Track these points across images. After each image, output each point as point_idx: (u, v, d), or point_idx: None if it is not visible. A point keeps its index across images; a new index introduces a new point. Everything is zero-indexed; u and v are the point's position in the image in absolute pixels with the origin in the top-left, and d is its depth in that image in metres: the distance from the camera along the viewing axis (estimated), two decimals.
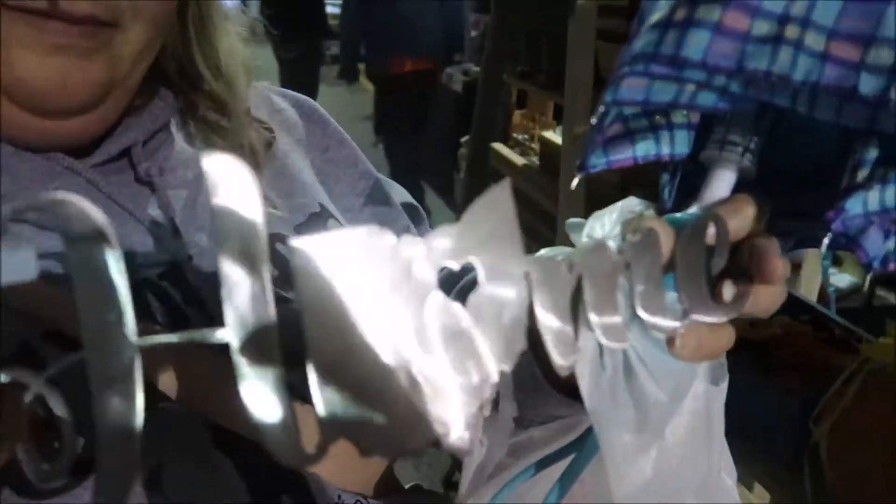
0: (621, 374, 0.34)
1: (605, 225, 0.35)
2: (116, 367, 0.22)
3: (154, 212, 0.40)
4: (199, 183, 0.42)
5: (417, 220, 0.57)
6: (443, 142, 3.40)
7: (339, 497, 0.41)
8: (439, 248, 0.25)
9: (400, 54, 3.19)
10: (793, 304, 1.17)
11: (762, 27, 0.30)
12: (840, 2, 0.30)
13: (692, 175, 0.36)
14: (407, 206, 0.57)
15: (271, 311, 0.22)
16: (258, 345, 0.22)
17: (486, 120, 2.45)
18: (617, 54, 0.33)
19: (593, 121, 0.32)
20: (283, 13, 3.63)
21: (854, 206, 0.30)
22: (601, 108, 0.33)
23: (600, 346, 0.32)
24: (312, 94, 3.67)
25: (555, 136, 2.13)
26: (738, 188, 0.34)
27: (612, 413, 0.34)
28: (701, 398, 0.38)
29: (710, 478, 0.41)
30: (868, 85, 0.29)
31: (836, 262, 2.66)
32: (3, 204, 0.32)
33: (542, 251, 0.40)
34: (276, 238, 0.42)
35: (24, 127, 0.35)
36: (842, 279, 2.34)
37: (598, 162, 0.35)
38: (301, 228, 0.45)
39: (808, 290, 1.36)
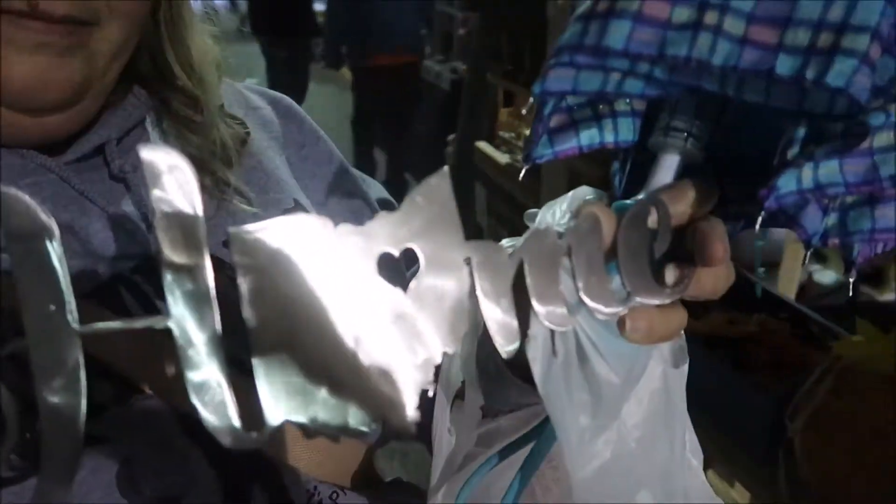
0: (574, 359, 0.34)
1: (555, 213, 0.36)
2: (58, 354, 0.22)
3: (128, 208, 0.41)
4: None
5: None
6: (430, 139, 3.41)
7: (315, 488, 0.41)
8: (379, 235, 0.25)
9: (379, 47, 3.23)
10: (770, 302, 1.18)
11: (682, 14, 0.31)
12: None
13: (643, 163, 0.36)
14: (382, 202, 0.58)
15: (212, 299, 0.23)
16: (197, 332, 0.23)
17: (472, 118, 2.46)
18: None
19: (523, 111, 0.33)
20: (270, 13, 3.64)
21: (786, 183, 0.31)
22: (531, 101, 0.33)
23: (552, 332, 0.32)
24: (302, 92, 3.67)
25: None
26: (689, 173, 0.34)
27: (566, 397, 0.34)
28: (658, 380, 0.39)
29: (674, 458, 0.42)
30: (785, 66, 0.29)
31: (821, 259, 2.67)
32: None
33: (505, 241, 0.40)
34: None
35: (4, 123, 0.36)
36: (826, 275, 2.35)
37: (544, 152, 0.36)
38: None
39: (787, 289, 1.37)
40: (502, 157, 2.29)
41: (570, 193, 0.36)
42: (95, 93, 0.38)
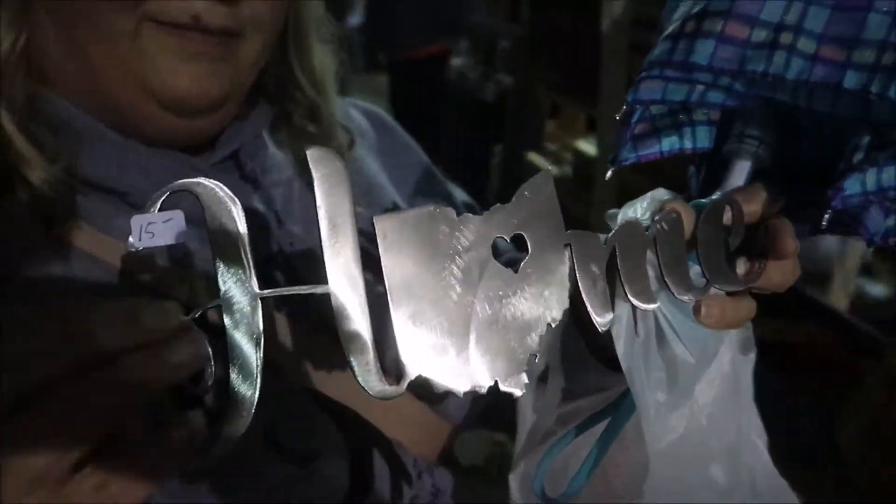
0: (653, 339, 0.38)
1: (637, 211, 0.40)
2: (243, 311, 0.28)
3: (259, 206, 0.46)
4: (291, 184, 0.47)
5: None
6: (472, 151, 3.46)
7: (415, 462, 0.46)
8: (493, 223, 0.30)
9: (412, 40, 3.30)
10: (819, 312, 1.20)
11: (760, 34, 0.35)
12: (828, 10, 0.35)
13: (717, 167, 0.40)
14: (467, 206, 0.62)
15: (359, 271, 0.28)
16: (350, 297, 0.28)
17: (520, 129, 2.50)
18: None
19: (616, 117, 0.38)
20: None
21: (852, 186, 0.35)
22: (624, 108, 0.38)
23: (634, 315, 0.37)
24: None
25: (588, 146, 2.18)
26: (759, 178, 0.39)
27: (645, 374, 0.38)
28: (728, 364, 0.43)
29: (741, 438, 0.46)
30: (852, 81, 0.34)
31: (870, 273, 2.65)
32: (137, 195, 0.38)
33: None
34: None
35: (160, 125, 0.40)
36: (875, 289, 2.35)
37: (628, 156, 0.40)
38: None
39: (838, 299, 1.38)
40: (552, 169, 2.33)
41: (649, 194, 0.40)
42: (236, 99, 0.43)
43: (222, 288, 0.28)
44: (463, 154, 3.59)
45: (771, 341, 1.14)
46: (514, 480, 0.46)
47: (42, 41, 0.38)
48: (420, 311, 0.29)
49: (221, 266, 0.28)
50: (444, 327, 0.29)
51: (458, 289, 0.30)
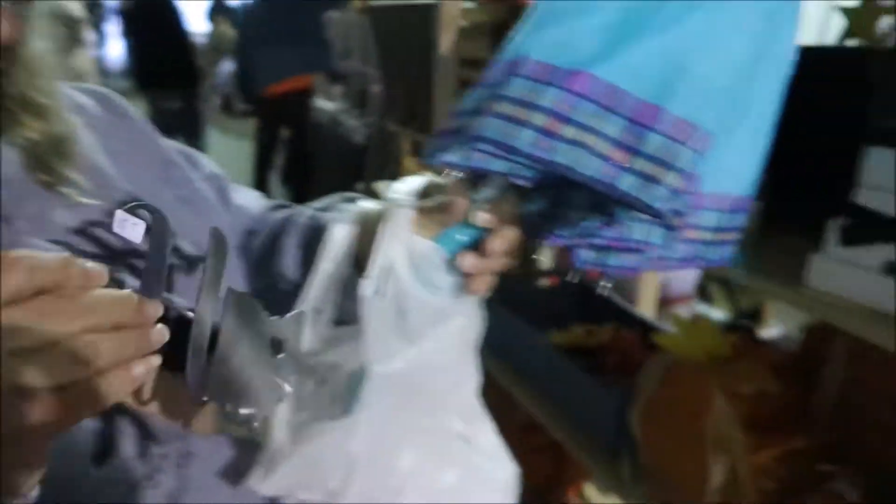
0: (396, 298, 0.49)
1: (400, 190, 0.54)
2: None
3: None
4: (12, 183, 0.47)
5: (223, 188, 0.67)
6: (341, 189, 3.54)
7: (167, 427, 0.49)
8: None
9: (267, 79, 3.44)
10: (622, 315, 1.33)
11: (569, 132, 0.45)
12: (624, 121, 0.44)
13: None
14: (213, 176, 0.66)
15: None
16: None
17: (379, 167, 2.59)
18: None
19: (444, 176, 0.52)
20: (152, 68, 3.78)
21: (564, 231, 0.49)
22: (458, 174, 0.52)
23: (384, 274, 0.48)
24: (196, 142, 3.82)
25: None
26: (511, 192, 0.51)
27: (383, 320, 0.49)
28: (458, 327, 0.53)
29: (472, 402, 0.54)
30: (625, 183, 0.44)
31: (708, 300, 2.91)
32: None
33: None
34: (90, 223, 0.48)
35: None
36: (713, 313, 2.62)
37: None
38: (110, 213, 0.47)
39: (645, 307, 1.52)
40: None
41: (414, 177, 0.52)
42: None
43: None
44: (332, 192, 3.67)
45: (579, 345, 1.26)
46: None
47: None
48: None
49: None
50: None
51: None
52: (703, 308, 3.05)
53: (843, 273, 0.73)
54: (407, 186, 0.55)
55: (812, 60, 0.91)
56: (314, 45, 3.51)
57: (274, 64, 3.48)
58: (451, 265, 0.52)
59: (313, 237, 0.61)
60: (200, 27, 5.50)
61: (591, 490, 1.62)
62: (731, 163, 0.50)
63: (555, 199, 0.51)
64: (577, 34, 0.46)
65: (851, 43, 1.00)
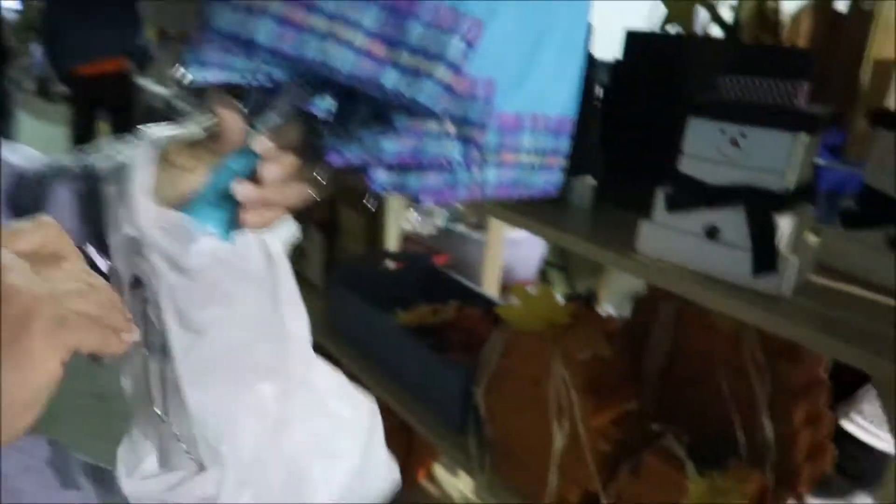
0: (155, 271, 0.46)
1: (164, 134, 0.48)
2: None
3: None
4: None
5: None
6: None
7: None
8: None
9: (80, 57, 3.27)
10: (465, 293, 1.34)
11: (319, 22, 0.40)
12: (377, 8, 0.40)
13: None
14: None
15: None
16: None
17: None
18: None
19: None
20: None
21: (352, 149, 0.43)
22: (187, 77, 0.42)
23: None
24: (4, 125, 3.51)
25: None
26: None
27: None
28: (263, 271, 0.49)
29: (303, 347, 0.50)
30: (389, 78, 0.40)
31: (548, 284, 3.04)
32: None
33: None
34: None
35: None
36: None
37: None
38: None
39: (488, 284, 1.55)
40: None
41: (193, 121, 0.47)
42: None
43: None
44: None
45: (425, 324, 1.25)
46: None
47: None
48: None
49: None
50: None
51: None
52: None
53: (670, 238, 0.77)
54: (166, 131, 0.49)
55: (637, 44, 0.97)
56: (124, 27, 3.35)
57: (81, 44, 3.26)
58: (226, 199, 0.47)
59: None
60: (10, 3, 4.98)
61: (440, 470, 1.63)
62: (543, 82, 0.47)
63: (338, 113, 0.46)
64: None
65: (672, 29, 1.07)
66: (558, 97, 0.51)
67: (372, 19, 0.40)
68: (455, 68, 0.41)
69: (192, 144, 0.47)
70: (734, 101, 0.72)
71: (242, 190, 0.46)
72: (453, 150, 0.44)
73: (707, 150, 0.74)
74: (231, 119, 0.45)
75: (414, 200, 0.46)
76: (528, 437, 0.97)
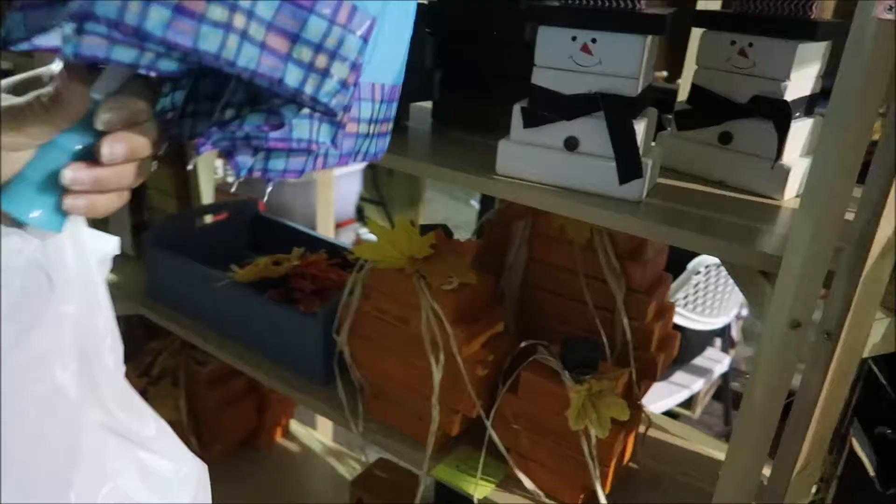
0: None
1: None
2: None
3: None
4: None
5: None
6: None
7: None
8: None
9: None
10: (300, 238, 1.26)
11: (216, 11, 0.35)
12: (278, 1, 0.37)
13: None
14: None
15: None
16: None
17: None
18: None
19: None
20: None
21: (217, 134, 0.41)
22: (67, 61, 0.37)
23: None
24: None
25: None
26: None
27: None
28: (95, 275, 0.45)
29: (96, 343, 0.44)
30: (292, 77, 0.38)
31: (364, 222, 2.98)
32: None
33: None
34: None
35: None
36: (371, 237, 2.68)
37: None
38: None
39: (324, 229, 1.48)
40: None
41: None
42: None
43: None
44: None
45: (269, 277, 1.16)
46: None
47: None
48: None
49: None
50: None
51: None
52: (363, 231, 3.15)
53: (529, 155, 0.75)
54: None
55: None
56: None
57: None
58: (56, 182, 0.39)
59: None
60: None
61: (296, 425, 1.57)
62: (383, 52, 0.48)
63: (200, 93, 0.45)
64: None
65: None
66: (393, 66, 0.51)
67: (270, 10, 0.38)
68: (353, 65, 0.40)
69: (19, 116, 0.38)
70: (582, 6, 0.71)
71: (71, 174, 0.39)
72: (325, 135, 0.44)
73: (560, 59, 0.72)
74: (72, 87, 0.38)
75: (269, 180, 0.46)
76: (401, 376, 0.94)
